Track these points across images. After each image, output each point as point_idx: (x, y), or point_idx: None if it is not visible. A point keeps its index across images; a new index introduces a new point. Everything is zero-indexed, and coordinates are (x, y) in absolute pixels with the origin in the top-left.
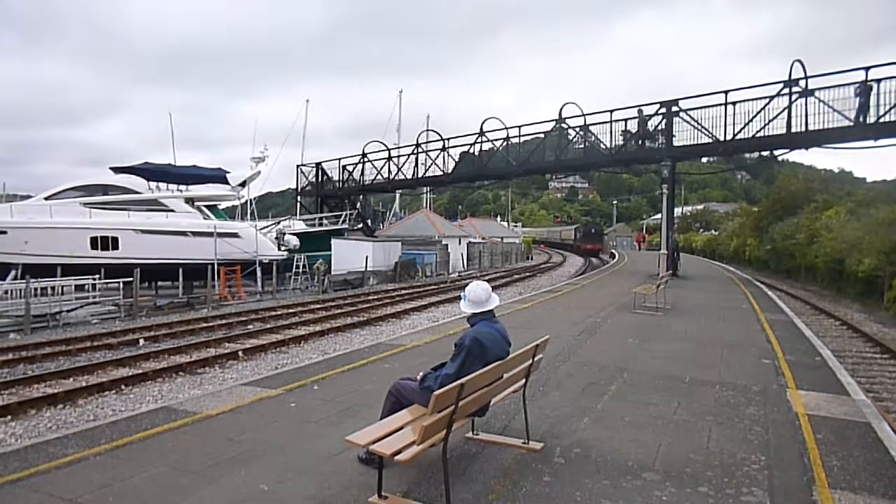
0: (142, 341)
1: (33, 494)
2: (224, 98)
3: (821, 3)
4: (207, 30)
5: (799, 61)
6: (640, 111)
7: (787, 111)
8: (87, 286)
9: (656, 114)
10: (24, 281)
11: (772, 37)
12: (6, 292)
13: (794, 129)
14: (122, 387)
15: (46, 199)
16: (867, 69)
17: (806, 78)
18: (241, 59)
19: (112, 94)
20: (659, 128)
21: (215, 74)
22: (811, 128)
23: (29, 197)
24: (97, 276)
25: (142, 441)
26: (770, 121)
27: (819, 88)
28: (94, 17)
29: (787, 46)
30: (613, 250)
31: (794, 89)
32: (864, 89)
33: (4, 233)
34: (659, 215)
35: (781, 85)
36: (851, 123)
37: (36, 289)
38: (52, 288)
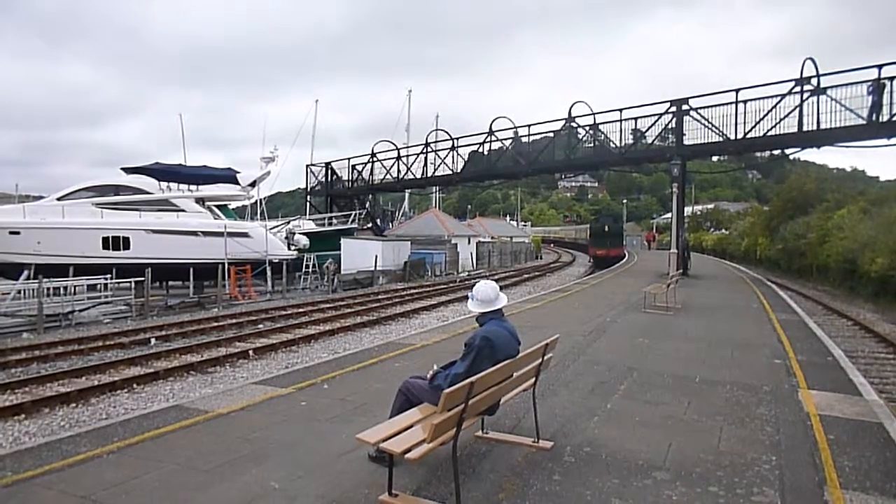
0: (153, 340)
1: (47, 492)
2: (243, 99)
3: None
4: (229, 32)
5: (811, 59)
6: (515, 132)
7: (798, 109)
8: (98, 286)
9: (666, 112)
10: (36, 281)
11: (795, 35)
12: (19, 292)
13: (805, 128)
14: (134, 386)
15: (59, 199)
16: (880, 67)
17: (818, 76)
18: (262, 61)
19: (132, 96)
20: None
21: (235, 76)
22: (823, 126)
23: (41, 197)
24: (109, 275)
25: (154, 439)
26: (781, 119)
27: (831, 87)
28: (117, 19)
29: (810, 45)
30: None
31: (806, 87)
32: (876, 87)
33: (17, 233)
34: (669, 214)
35: (793, 83)
36: (864, 122)
37: (48, 288)
38: (65, 288)
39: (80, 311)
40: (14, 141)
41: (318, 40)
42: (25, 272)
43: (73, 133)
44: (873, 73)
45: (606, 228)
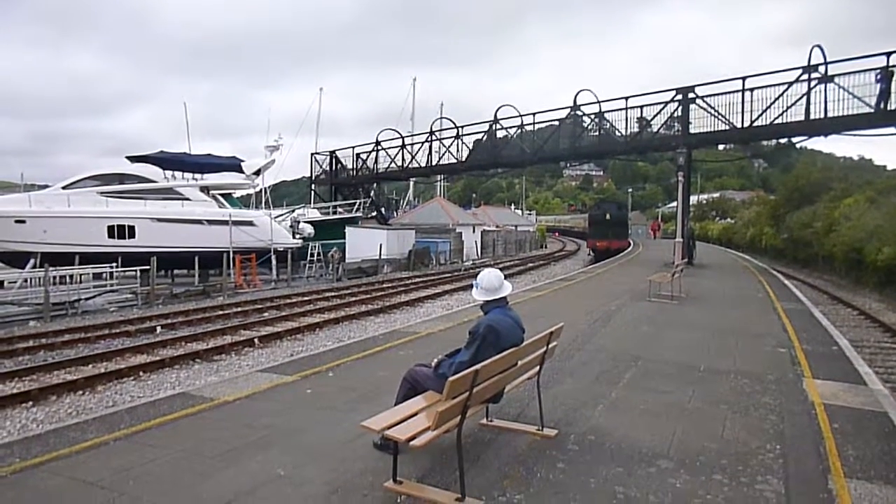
0: (159, 329)
1: (55, 478)
2: (249, 88)
3: None
4: (237, 21)
5: (818, 46)
6: (491, 129)
7: (805, 98)
8: (104, 274)
9: (672, 100)
10: (43, 269)
11: (806, 24)
12: (26, 281)
13: (812, 116)
14: (140, 373)
15: (64, 188)
16: (888, 55)
17: (826, 63)
18: (269, 50)
19: (139, 85)
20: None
21: (242, 65)
22: (830, 114)
23: (46, 186)
24: (114, 264)
25: (160, 426)
26: (788, 107)
27: (839, 74)
28: (126, 7)
29: (822, 33)
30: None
31: (814, 75)
32: (884, 75)
33: (23, 222)
34: (674, 203)
35: (800, 71)
36: (872, 110)
37: (55, 277)
38: (71, 276)
39: (86, 299)
40: (22, 130)
41: (325, 29)
42: (31, 261)
43: (80, 122)
44: (881, 61)
45: (608, 217)
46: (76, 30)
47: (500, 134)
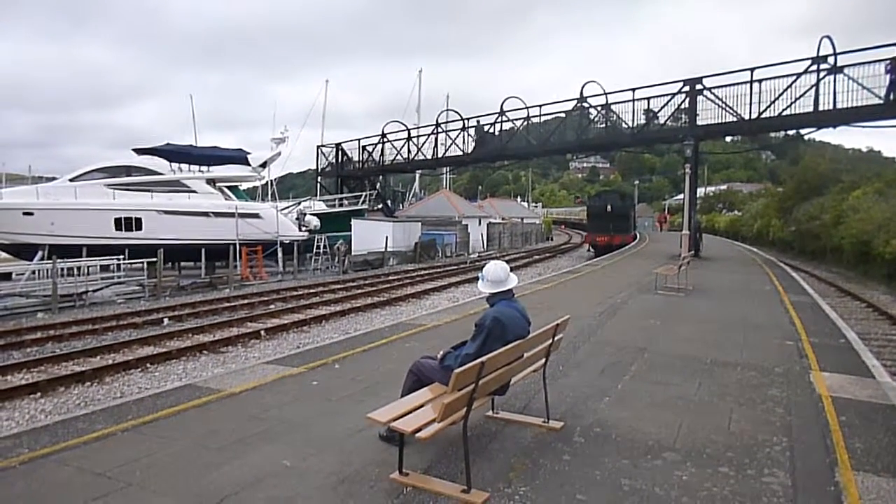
0: (166, 320)
1: (63, 468)
2: (258, 80)
3: None
4: (247, 11)
5: (827, 37)
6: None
7: (814, 89)
8: (111, 266)
9: (679, 92)
10: (50, 261)
11: (819, 14)
12: (34, 273)
13: (821, 108)
14: (148, 365)
15: (71, 180)
16: None
17: (835, 54)
18: (278, 41)
19: (150, 77)
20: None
21: (252, 57)
22: (839, 106)
23: (54, 179)
24: (121, 256)
25: (167, 417)
26: (797, 99)
27: (848, 65)
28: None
29: (835, 24)
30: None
31: (823, 66)
32: (894, 66)
33: (31, 214)
34: (681, 196)
35: (809, 62)
36: (881, 101)
37: (62, 269)
38: (78, 268)
39: (94, 291)
40: (30, 122)
41: (332, 21)
42: (39, 253)
43: (87, 114)
44: (892, 52)
45: (609, 208)
46: (86, 21)
47: (506, 126)
